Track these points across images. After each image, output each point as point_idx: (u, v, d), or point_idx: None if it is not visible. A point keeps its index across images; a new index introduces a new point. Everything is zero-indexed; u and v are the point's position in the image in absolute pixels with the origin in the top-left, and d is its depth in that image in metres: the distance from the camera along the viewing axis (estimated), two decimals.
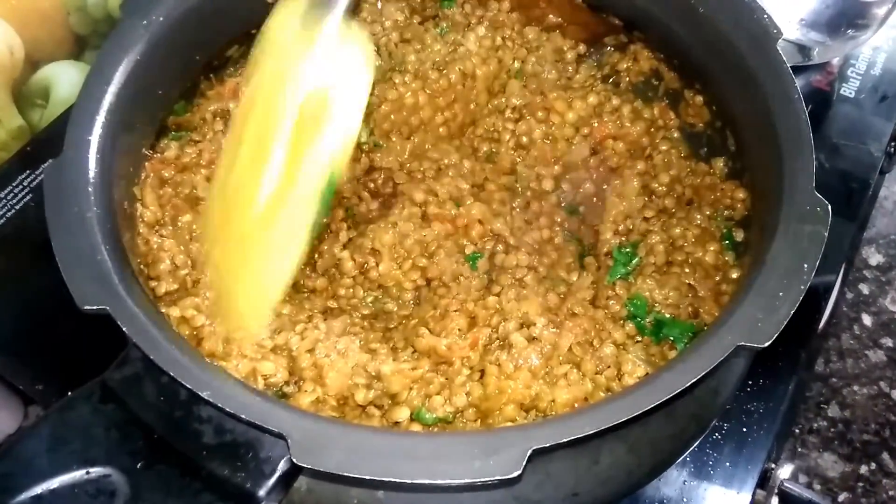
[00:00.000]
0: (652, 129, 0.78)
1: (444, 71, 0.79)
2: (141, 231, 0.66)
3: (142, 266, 0.66)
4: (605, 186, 0.77)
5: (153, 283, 0.66)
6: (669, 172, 0.75)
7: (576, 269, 0.73)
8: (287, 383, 0.61)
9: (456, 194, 0.75)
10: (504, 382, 0.60)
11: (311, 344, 0.62)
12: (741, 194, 0.69)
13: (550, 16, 0.82)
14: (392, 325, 0.69)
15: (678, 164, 0.75)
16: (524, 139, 0.80)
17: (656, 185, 0.75)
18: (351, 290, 0.71)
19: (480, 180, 0.78)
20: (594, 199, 0.78)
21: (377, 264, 0.70)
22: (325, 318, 0.67)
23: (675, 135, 0.78)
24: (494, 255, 0.73)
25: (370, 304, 0.71)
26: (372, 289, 0.71)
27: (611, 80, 0.83)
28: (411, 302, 0.71)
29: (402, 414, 0.59)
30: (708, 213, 0.71)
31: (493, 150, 0.81)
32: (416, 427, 0.60)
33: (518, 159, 0.80)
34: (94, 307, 0.49)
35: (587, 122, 0.79)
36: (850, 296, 1.07)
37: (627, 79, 0.82)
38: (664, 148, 0.77)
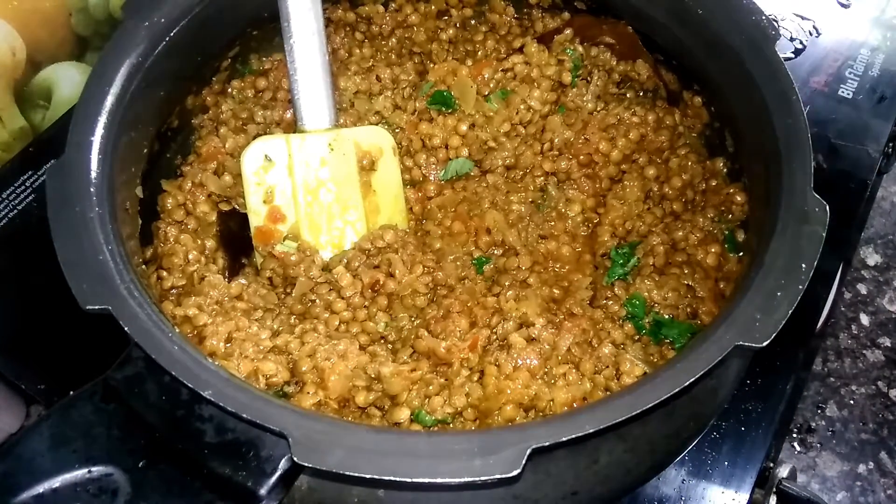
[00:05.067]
0: (673, 136, 0.77)
1: None
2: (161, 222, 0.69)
3: (153, 255, 0.67)
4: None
5: (162, 274, 0.66)
6: (682, 177, 0.74)
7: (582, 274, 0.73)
8: (288, 383, 0.61)
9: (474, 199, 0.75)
10: (503, 383, 0.60)
11: (311, 350, 0.62)
12: (740, 197, 0.69)
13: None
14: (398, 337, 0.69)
15: (692, 169, 0.74)
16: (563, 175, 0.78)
17: (667, 189, 0.74)
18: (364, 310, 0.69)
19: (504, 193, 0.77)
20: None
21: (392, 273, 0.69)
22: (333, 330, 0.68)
23: (694, 138, 0.76)
24: (497, 258, 0.73)
25: (384, 324, 0.69)
26: (383, 309, 0.69)
27: (627, 85, 0.81)
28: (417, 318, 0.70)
29: (403, 415, 0.60)
30: (711, 215, 0.71)
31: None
32: (416, 428, 0.60)
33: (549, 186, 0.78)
34: (97, 307, 0.50)
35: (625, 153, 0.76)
36: (847, 295, 1.08)
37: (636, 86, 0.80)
38: (682, 153, 0.75)
